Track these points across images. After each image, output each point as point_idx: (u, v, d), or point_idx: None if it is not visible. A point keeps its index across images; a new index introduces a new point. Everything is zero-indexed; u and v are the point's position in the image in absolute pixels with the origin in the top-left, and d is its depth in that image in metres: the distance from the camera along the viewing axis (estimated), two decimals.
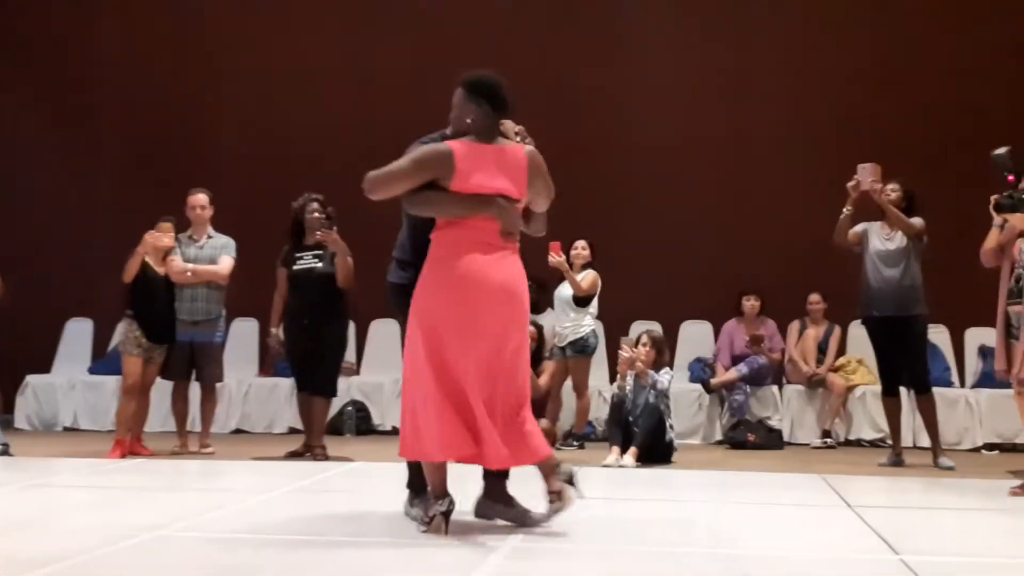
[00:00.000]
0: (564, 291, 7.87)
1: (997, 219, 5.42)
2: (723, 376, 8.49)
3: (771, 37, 9.61)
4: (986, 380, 8.56)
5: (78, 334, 9.85)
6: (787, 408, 8.56)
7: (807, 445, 8.29)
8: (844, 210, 6.87)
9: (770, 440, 8.18)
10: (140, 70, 10.11)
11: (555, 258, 7.58)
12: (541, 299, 8.56)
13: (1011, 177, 5.20)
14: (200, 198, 7.37)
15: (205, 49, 10.01)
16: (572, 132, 9.22)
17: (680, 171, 9.40)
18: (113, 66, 10.15)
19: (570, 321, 7.82)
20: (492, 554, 3.61)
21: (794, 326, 8.89)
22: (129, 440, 7.03)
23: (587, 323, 7.84)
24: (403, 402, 4.18)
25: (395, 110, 9.65)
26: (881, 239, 6.89)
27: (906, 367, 6.89)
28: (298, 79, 9.82)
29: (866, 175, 6.75)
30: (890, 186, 6.84)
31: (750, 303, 8.78)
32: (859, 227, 6.94)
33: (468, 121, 4.00)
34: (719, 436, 8.40)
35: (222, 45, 10.03)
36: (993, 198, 5.28)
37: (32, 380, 9.17)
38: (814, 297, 8.78)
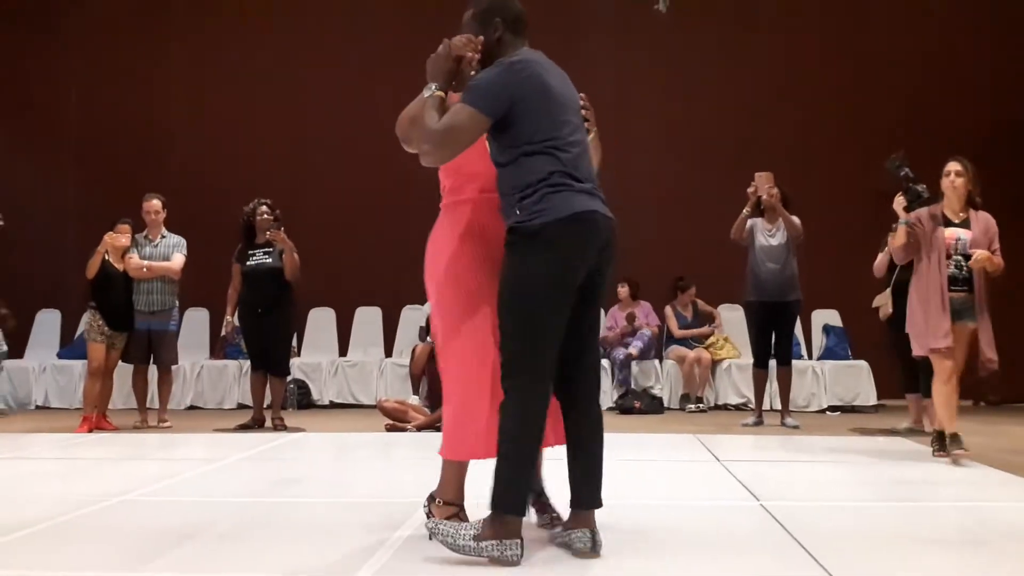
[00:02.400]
0: None
1: (904, 216, 5.13)
2: (626, 350, 8.62)
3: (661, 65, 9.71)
4: (828, 353, 8.88)
5: (47, 323, 9.64)
6: (666, 379, 8.70)
7: (682, 410, 8.44)
8: (744, 211, 6.90)
9: (652, 406, 8.30)
10: (101, 91, 9.86)
11: None
12: None
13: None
14: (154, 203, 7.22)
15: (157, 73, 9.78)
16: None
17: None
18: (77, 88, 9.88)
19: None
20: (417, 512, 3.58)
21: (668, 310, 9.00)
22: (95, 416, 6.88)
23: None
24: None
25: (324, 122, 9.60)
26: (765, 235, 6.97)
27: (777, 343, 7.02)
28: (235, 100, 9.67)
29: (763, 182, 6.80)
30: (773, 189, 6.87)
31: (624, 290, 8.89)
32: (747, 224, 6.97)
33: None
34: (610, 404, 8.50)
35: (173, 69, 9.83)
36: (900, 199, 5.20)
37: (7, 364, 8.89)
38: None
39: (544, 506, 3.22)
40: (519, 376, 2.75)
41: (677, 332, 8.85)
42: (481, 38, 2.98)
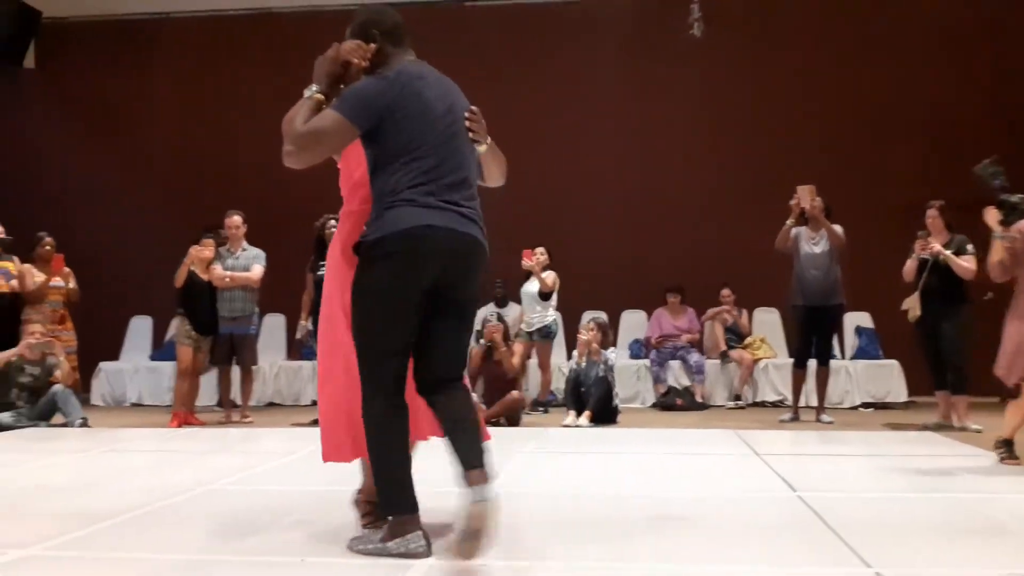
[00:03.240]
0: (531, 287, 7.86)
1: (1000, 231, 4.47)
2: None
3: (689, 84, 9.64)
4: (861, 353, 8.71)
5: (140, 329, 9.80)
6: (707, 378, 8.61)
7: (723, 407, 8.35)
8: (788, 222, 6.80)
9: (694, 403, 8.23)
10: (187, 117, 10.06)
11: (528, 262, 7.62)
12: (508, 294, 8.65)
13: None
14: (235, 219, 7.33)
15: (237, 101, 9.94)
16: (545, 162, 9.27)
17: (619, 198, 9.44)
18: (166, 115, 10.09)
19: (537, 312, 7.83)
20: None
21: (710, 313, 8.93)
22: (184, 413, 6.99)
23: (551, 314, 7.88)
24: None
25: None
26: (809, 244, 6.85)
27: (818, 344, 6.89)
28: None
29: (805, 194, 6.70)
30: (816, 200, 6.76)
31: (673, 299, 8.79)
32: (791, 233, 6.86)
33: None
34: (653, 401, 8.44)
35: (249, 98, 9.99)
36: (993, 212, 4.49)
37: (104, 366, 9.10)
38: (725, 291, 8.83)
39: None
40: (368, 386, 2.63)
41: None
42: (373, 45, 2.76)
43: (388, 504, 2.67)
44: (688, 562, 2.64)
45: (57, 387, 6.71)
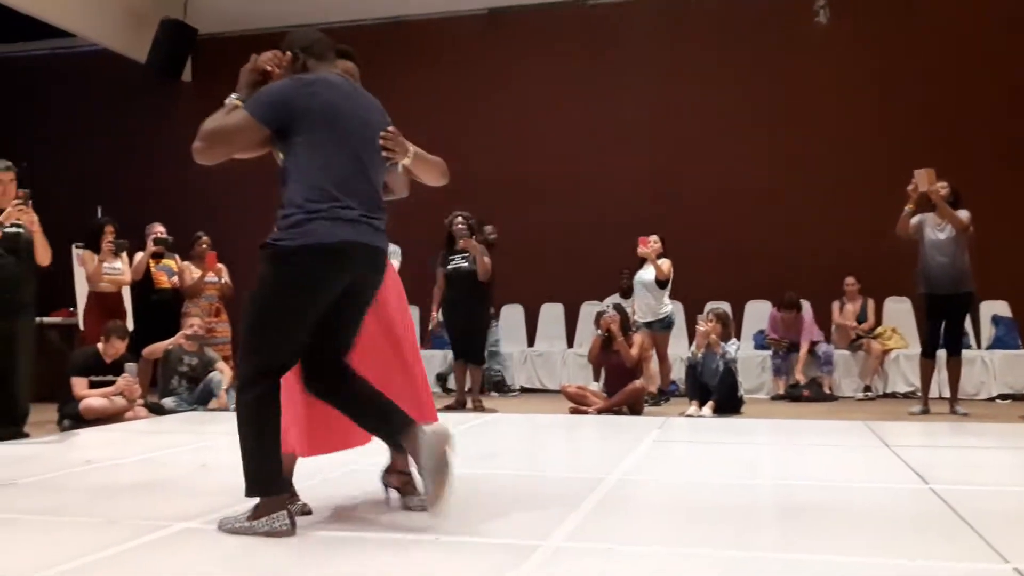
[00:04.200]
0: (645, 275, 7.60)
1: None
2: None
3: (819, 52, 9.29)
4: (998, 343, 8.23)
5: None
6: (836, 368, 8.30)
7: (852, 398, 8.04)
8: (906, 208, 6.51)
9: (821, 394, 7.96)
10: None
11: (644, 249, 7.44)
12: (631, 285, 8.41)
13: None
14: None
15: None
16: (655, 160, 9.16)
17: (743, 187, 9.18)
18: None
19: (654, 301, 7.57)
20: (599, 485, 3.59)
21: (835, 304, 8.62)
22: None
23: (667, 303, 7.65)
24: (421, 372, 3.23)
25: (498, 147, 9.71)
26: (935, 230, 6.53)
27: (947, 334, 6.56)
28: (448, 124, 9.99)
29: (922, 179, 6.40)
30: (939, 184, 6.45)
31: (787, 315, 8.38)
32: (915, 219, 6.56)
33: None
34: (778, 392, 8.20)
35: (384, 100, 10.23)
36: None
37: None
38: (849, 280, 8.49)
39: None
40: (254, 372, 2.70)
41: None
42: (289, 55, 2.88)
43: (254, 486, 2.71)
44: (817, 552, 2.55)
45: (213, 374, 7.08)
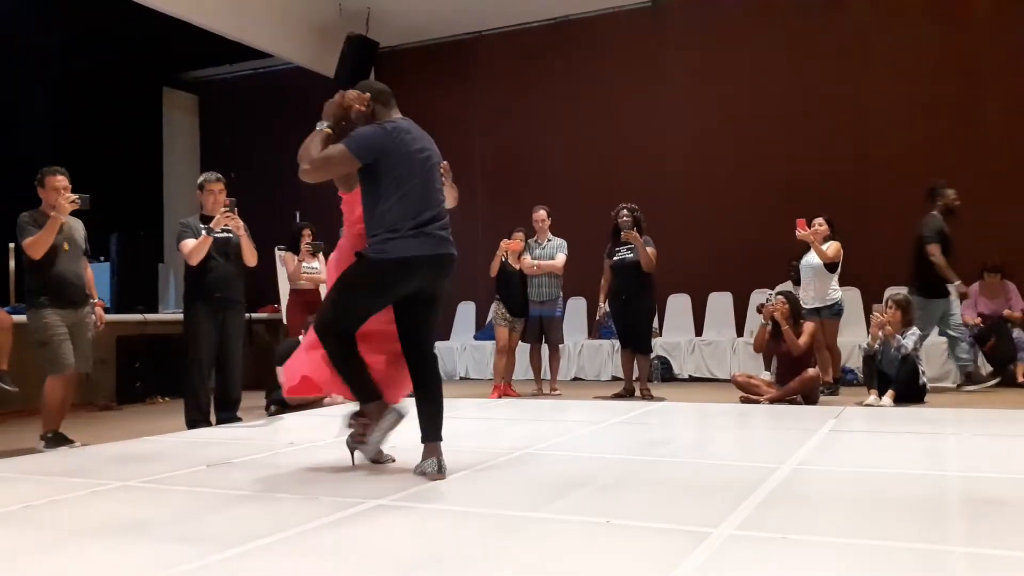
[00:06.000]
0: (810, 260, 7.15)
1: None
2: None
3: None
4: None
5: (466, 312, 10.46)
6: None
7: None
8: None
9: (1013, 383, 7.29)
10: (500, 124, 10.59)
11: (802, 231, 6.96)
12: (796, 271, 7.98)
13: None
14: (541, 213, 7.62)
15: (542, 107, 10.29)
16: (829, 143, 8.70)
17: (930, 165, 8.55)
18: (480, 122, 10.67)
19: (822, 286, 7.07)
20: (773, 474, 3.46)
21: None
22: (503, 386, 7.41)
23: (835, 288, 7.11)
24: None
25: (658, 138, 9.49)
26: None
27: None
28: (598, 122, 9.93)
29: None
30: None
31: (992, 278, 7.84)
32: None
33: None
34: (963, 380, 7.58)
35: (554, 105, 10.30)
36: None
37: (438, 345, 9.78)
38: None
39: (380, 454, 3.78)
40: (333, 332, 3.52)
41: None
42: (368, 95, 3.55)
43: (361, 396, 3.57)
44: (1009, 547, 2.34)
45: None
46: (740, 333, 9.04)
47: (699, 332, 9.30)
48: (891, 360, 6.25)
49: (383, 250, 3.36)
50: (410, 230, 3.37)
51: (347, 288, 3.49)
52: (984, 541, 2.43)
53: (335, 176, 3.56)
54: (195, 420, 5.57)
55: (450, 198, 3.79)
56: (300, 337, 6.81)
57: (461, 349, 9.86)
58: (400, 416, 3.60)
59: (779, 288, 8.00)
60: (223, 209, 5.52)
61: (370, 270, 3.40)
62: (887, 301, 6.50)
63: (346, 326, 3.49)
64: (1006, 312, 7.77)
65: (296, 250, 7.57)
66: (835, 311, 7.16)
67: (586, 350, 9.27)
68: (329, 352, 3.50)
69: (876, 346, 6.34)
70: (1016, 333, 7.57)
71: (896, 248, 8.30)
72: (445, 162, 3.63)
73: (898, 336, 6.23)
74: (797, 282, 8.07)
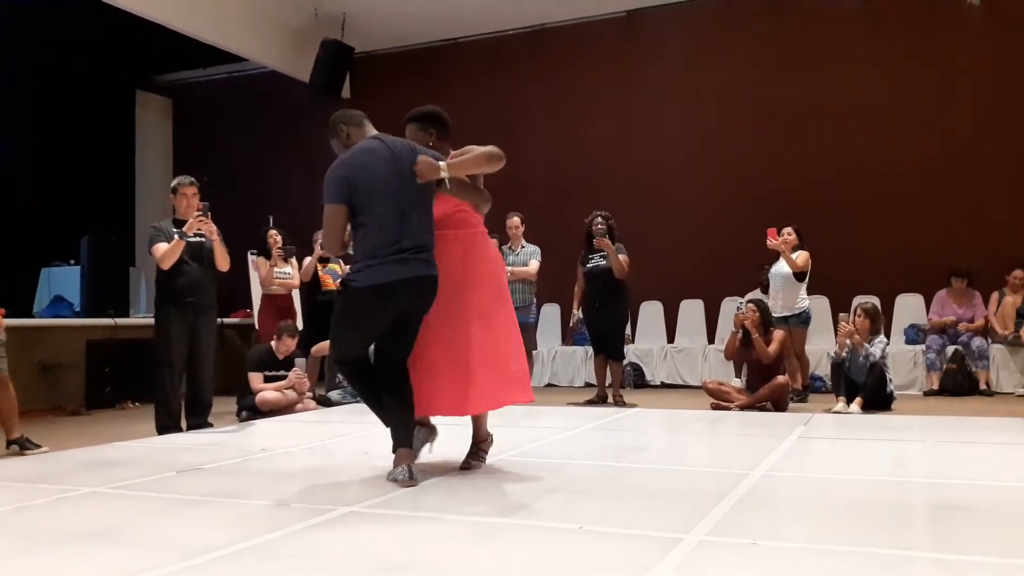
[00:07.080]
0: (779, 268, 7.25)
1: None
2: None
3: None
4: None
5: None
6: (992, 363, 7.73)
7: (1011, 394, 7.46)
8: None
9: (975, 390, 7.42)
10: (475, 132, 10.59)
11: (772, 241, 7.07)
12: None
13: None
14: (515, 220, 7.61)
15: (516, 112, 10.31)
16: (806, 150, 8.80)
17: (894, 178, 8.69)
18: (459, 130, 10.65)
19: (790, 295, 7.17)
20: (743, 480, 3.49)
21: (994, 295, 8.03)
22: None
23: (804, 296, 7.22)
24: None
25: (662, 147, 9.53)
26: None
27: None
28: (612, 131, 9.97)
29: None
30: None
31: (959, 284, 7.98)
32: None
33: (430, 145, 3.77)
34: (934, 386, 7.69)
35: (525, 108, 10.32)
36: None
37: None
38: (1017, 272, 7.87)
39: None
40: (340, 359, 3.67)
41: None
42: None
43: (393, 435, 3.56)
44: (972, 552, 2.38)
45: None
46: (711, 340, 9.11)
47: (671, 339, 9.36)
48: (859, 368, 6.33)
49: (362, 278, 3.43)
50: (389, 255, 3.40)
51: (337, 321, 3.56)
52: (950, 546, 2.46)
53: (344, 226, 3.50)
54: (166, 425, 5.50)
55: (470, 197, 3.77)
56: (272, 343, 6.77)
57: None
58: (431, 431, 3.74)
59: (749, 296, 8.08)
60: (196, 213, 5.47)
61: (353, 300, 3.48)
62: (855, 309, 6.57)
63: (351, 356, 3.59)
64: (962, 326, 7.88)
65: (268, 255, 7.52)
66: (803, 319, 7.25)
67: (559, 356, 9.29)
68: (349, 383, 3.71)
69: (844, 354, 6.40)
70: (978, 342, 7.70)
71: (863, 257, 8.41)
72: (418, 164, 3.46)
73: (866, 344, 6.30)
74: (766, 290, 8.16)
